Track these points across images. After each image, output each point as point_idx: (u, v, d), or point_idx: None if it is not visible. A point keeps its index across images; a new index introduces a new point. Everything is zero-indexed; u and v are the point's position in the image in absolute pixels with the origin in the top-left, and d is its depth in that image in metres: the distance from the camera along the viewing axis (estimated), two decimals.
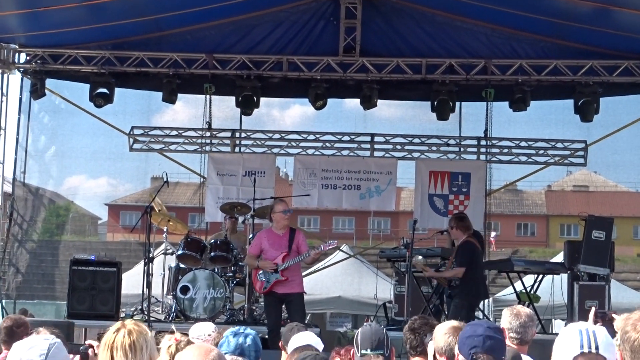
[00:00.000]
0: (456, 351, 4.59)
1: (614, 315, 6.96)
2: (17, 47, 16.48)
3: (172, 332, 5.76)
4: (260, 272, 12.23)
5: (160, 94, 16.83)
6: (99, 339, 8.21)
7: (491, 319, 16.72)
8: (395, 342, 6.43)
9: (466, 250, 12.65)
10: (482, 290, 13.24)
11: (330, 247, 13.63)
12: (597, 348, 3.53)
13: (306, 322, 12.94)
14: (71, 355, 5.25)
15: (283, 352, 6.93)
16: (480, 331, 4.53)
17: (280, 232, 12.30)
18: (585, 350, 3.53)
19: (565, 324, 14.40)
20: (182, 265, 14.63)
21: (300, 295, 12.39)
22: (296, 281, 12.34)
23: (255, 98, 16.66)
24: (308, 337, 6.56)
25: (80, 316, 13.72)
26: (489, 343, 4.49)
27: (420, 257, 13.77)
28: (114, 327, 4.59)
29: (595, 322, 6.61)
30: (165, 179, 14.78)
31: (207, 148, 18.14)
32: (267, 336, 11.77)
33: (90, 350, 5.74)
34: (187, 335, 6.09)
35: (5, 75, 16.54)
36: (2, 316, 15.20)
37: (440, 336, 5.50)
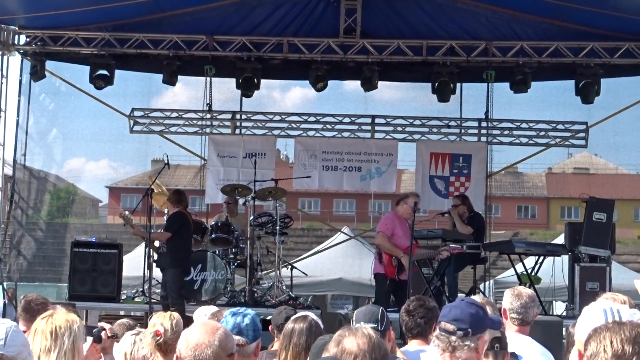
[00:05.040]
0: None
1: None
2: (16, 28, 16.40)
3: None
4: (394, 257, 12.83)
5: (160, 76, 16.77)
6: (100, 320, 8.23)
7: (492, 300, 16.70)
8: (396, 323, 6.42)
9: (176, 218, 13.31)
10: (187, 260, 13.64)
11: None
12: None
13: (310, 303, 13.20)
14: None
15: (275, 336, 6.89)
16: (456, 303, 4.61)
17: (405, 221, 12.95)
18: None
19: (567, 306, 14.40)
20: None
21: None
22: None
23: (255, 80, 16.61)
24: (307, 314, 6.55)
25: (81, 298, 13.77)
26: (453, 312, 4.52)
27: (126, 212, 13.92)
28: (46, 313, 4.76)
29: None
30: (165, 161, 14.75)
31: (208, 130, 18.16)
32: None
33: (103, 333, 5.76)
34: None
35: (5, 57, 16.45)
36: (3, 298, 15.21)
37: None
